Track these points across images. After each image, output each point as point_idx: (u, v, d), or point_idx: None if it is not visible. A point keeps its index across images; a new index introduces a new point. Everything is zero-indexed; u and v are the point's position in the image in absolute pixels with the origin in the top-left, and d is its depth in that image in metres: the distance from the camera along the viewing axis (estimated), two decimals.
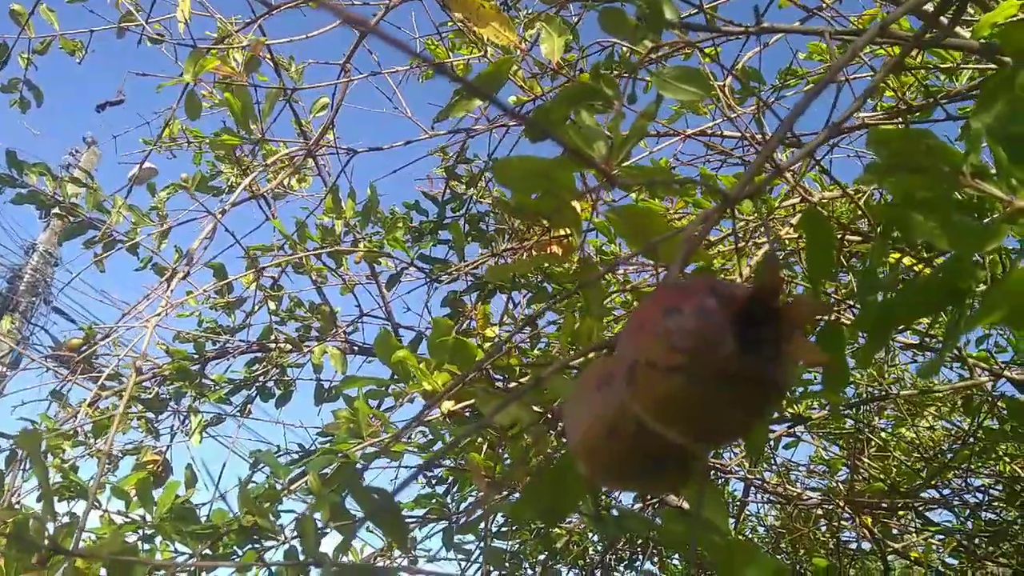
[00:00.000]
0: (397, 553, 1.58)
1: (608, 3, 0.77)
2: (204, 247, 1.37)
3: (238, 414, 2.14)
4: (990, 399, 1.64)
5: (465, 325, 1.94)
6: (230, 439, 2.18)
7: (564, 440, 0.66)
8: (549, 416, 0.65)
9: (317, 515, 1.16)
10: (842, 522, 1.84)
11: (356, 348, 2.17)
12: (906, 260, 0.91)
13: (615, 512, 0.77)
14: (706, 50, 0.96)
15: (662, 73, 0.71)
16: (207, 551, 1.12)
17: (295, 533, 1.15)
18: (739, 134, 1.48)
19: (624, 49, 1.35)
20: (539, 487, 0.64)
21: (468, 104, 1.00)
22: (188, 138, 1.82)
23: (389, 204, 1.93)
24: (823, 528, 2.18)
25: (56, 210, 2.02)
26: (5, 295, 10.16)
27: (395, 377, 1.25)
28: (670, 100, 0.71)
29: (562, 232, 1.64)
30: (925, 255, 1.08)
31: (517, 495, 0.77)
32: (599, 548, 2.45)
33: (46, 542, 0.64)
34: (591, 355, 0.62)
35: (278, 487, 1.21)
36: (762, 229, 1.07)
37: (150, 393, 1.96)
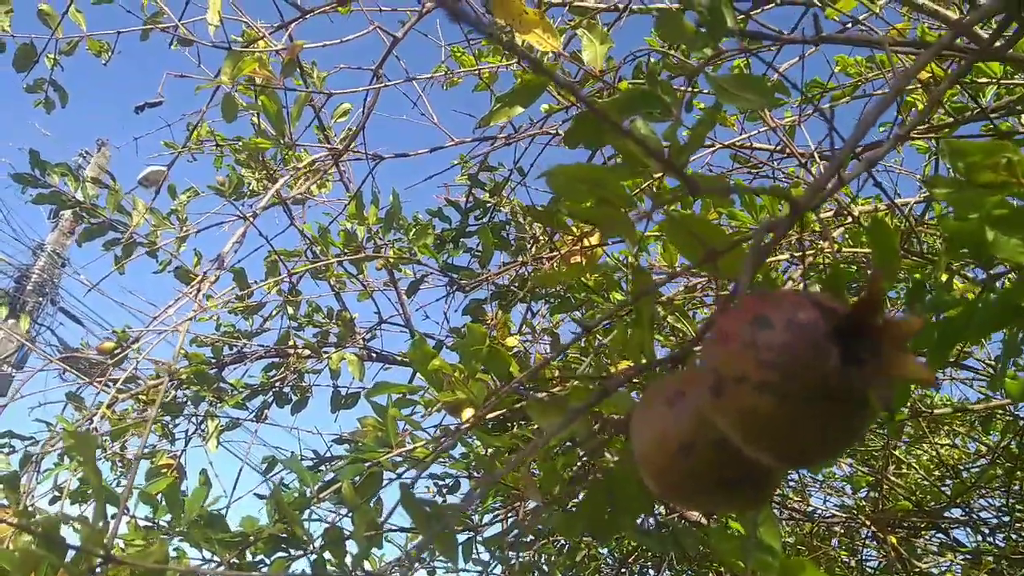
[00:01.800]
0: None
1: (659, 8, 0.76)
2: (235, 250, 1.36)
3: (254, 419, 2.13)
4: (1014, 418, 1.62)
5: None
6: (245, 444, 2.16)
7: (621, 455, 0.64)
8: (605, 429, 0.64)
9: (347, 524, 1.15)
10: (865, 541, 1.81)
11: (374, 355, 2.16)
12: (956, 284, 0.90)
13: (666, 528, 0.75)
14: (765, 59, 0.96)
15: (721, 80, 0.69)
16: (234, 560, 1.10)
17: (322, 542, 1.13)
18: (770, 147, 1.47)
19: (658, 58, 1.34)
20: (595, 501, 0.62)
21: (510, 111, 0.99)
22: (216, 141, 1.82)
23: (411, 211, 1.91)
24: (838, 545, 2.15)
25: (76, 211, 2.01)
26: (12, 295, 10.18)
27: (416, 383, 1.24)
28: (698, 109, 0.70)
29: (588, 242, 1.63)
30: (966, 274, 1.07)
31: (563, 509, 0.75)
32: (608, 562, 2.42)
33: (100, 550, 0.62)
34: (654, 369, 0.61)
35: (307, 494, 1.20)
36: (818, 239, 1.05)
37: (167, 397, 1.95)
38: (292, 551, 1.17)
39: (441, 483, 1.74)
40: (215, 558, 1.11)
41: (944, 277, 0.99)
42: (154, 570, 0.84)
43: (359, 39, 1.32)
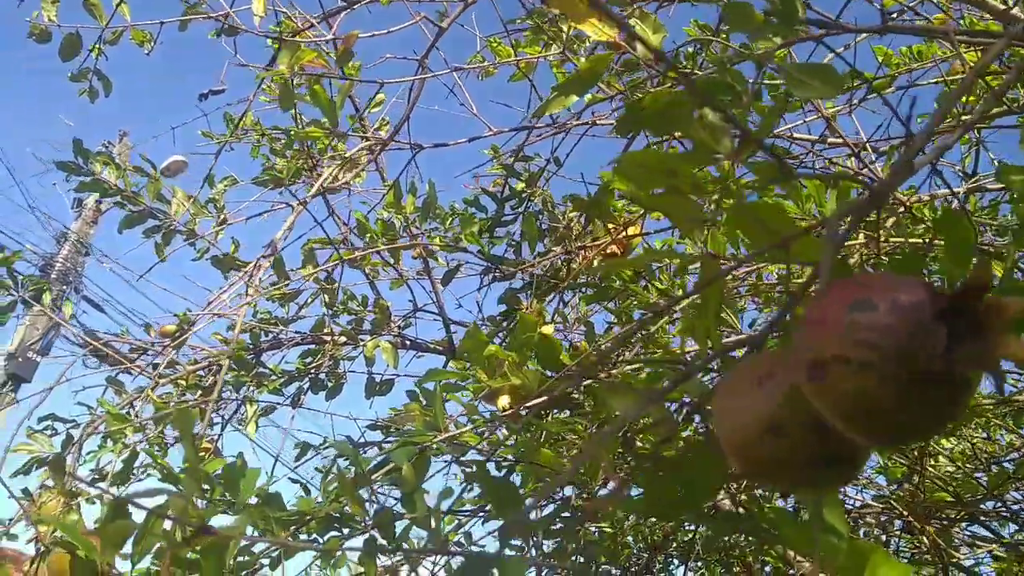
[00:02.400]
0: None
1: None
2: (284, 237, 1.39)
3: (290, 405, 2.16)
4: None
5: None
6: (282, 429, 2.20)
7: (693, 438, 0.65)
8: (679, 412, 0.65)
9: (398, 505, 1.17)
10: (899, 532, 1.81)
11: (408, 342, 2.18)
12: None
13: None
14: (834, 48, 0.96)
15: (792, 69, 0.70)
16: (289, 538, 1.13)
17: (374, 522, 1.16)
18: (812, 137, 1.46)
19: (721, 49, 1.34)
20: (666, 483, 0.63)
21: (565, 99, 1.00)
22: (260, 131, 1.84)
23: (447, 200, 1.92)
24: (866, 536, 2.15)
25: (118, 199, 2.04)
26: (37, 282, 10.32)
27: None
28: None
29: (628, 232, 1.63)
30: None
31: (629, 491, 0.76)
32: (638, 549, 2.44)
33: (195, 520, 0.64)
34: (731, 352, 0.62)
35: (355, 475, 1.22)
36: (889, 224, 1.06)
37: (207, 383, 1.98)
38: (344, 530, 1.20)
39: (469, 469, 1.77)
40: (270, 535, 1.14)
41: (1010, 263, 0.99)
42: (221, 540, 0.87)
43: (398, 30, 1.33)
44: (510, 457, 1.20)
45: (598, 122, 1.74)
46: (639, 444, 0.78)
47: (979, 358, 0.41)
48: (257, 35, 1.31)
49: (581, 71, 1.00)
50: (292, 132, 1.57)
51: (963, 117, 1.06)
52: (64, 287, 10.66)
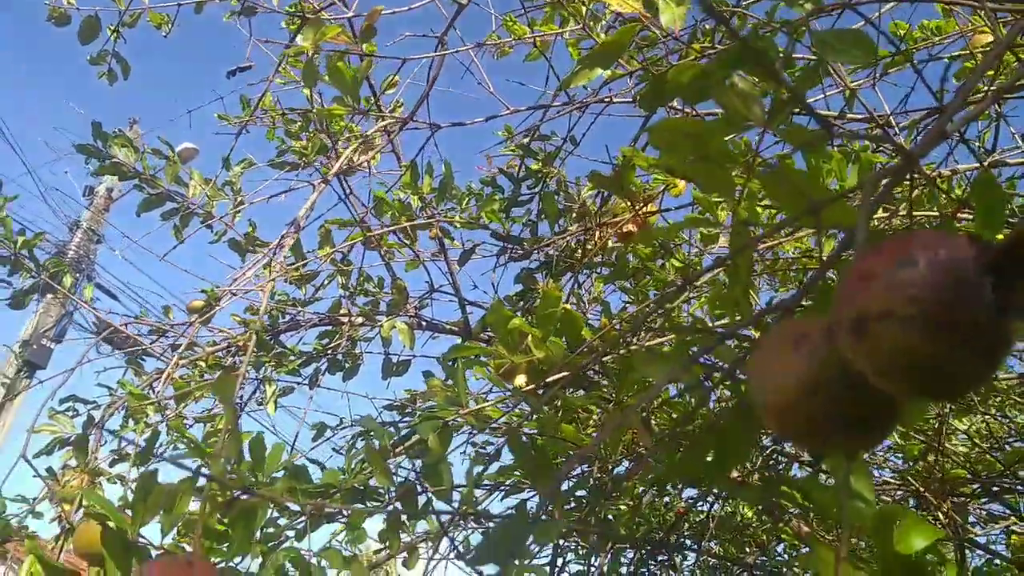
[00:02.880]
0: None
1: None
2: (307, 216, 1.39)
3: (308, 385, 2.18)
4: None
5: (536, 301, 1.95)
6: (300, 409, 2.22)
7: (725, 403, 0.66)
8: (711, 378, 0.65)
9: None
10: (916, 509, 1.82)
11: (424, 323, 2.19)
12: None
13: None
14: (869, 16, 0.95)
15: (825, 36, 0.70)
16: (314, 511, 1.15)
17: (398, 495, 1.17)
18: (832, 113, 1.45)
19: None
20: (702, 445, 0.64)
21: (590, 72, 1.00)
22: (281, 110, 1.85)
23: (463, 180, 1.93)
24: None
25: (136, 182, 2.06)
26: (52, 269, 10.41)
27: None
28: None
29: (645, 210, 1.63)
30: None
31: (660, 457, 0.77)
32: (656, 525, 2.46)
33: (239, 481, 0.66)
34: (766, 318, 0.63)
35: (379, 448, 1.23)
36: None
37: (226, 363, 2.00)
38: (368, 503, 1.21)
39: (483, 451, 1.79)
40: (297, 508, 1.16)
41: None
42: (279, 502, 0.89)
43: (418, 7, 1.33)
44: (533, 431, 1.21)
45: (615, 100, 1.73)
46: (655, 423, 0.79)
47: (1021, 311, 0.41)
48: (277, 12, 1.31)
49: (606, 44, 1.00)
50: (315, 110, 1.58)
51: (991, 89, 1.05)
52: (77, 275, 10.75)
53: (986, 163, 1.16)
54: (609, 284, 1.93)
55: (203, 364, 2.04)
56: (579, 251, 1.86)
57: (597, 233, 1.75)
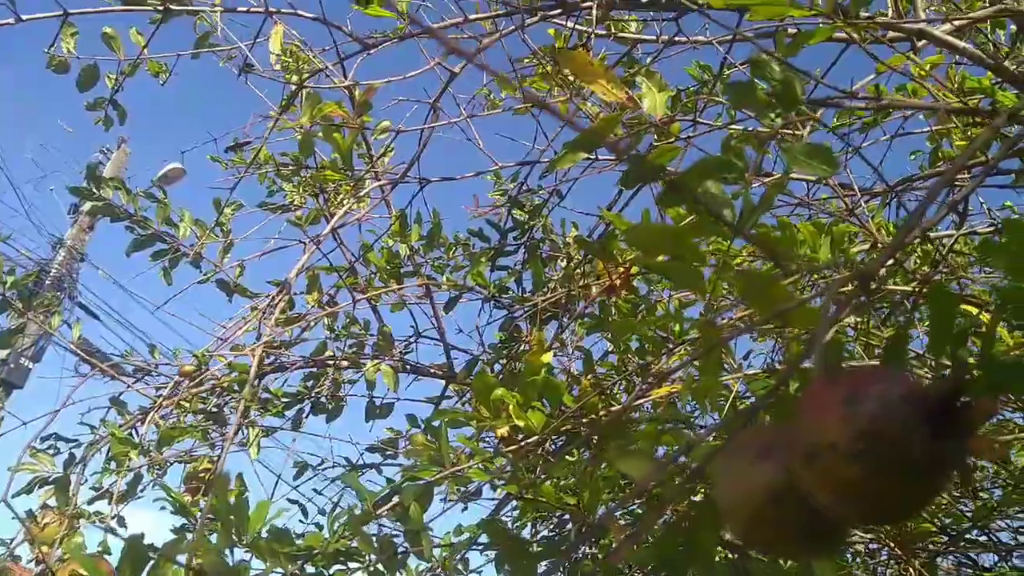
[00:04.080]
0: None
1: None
2: (300, 275, 1.42)
3: (291, 427, 2.19)
4: None
5: (520, 349, 1.99)
6: (282, 451, 2.23)
7: (698, 501, 0.70)
8: (684, 476, 0.69)
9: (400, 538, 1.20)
10: (888, 562, 1.86)
11: (408, 367, 2.22)
12: (1002, 331, 0.95)
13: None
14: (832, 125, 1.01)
15: (792, 148, 0.75)
16: (296, 572, 1.17)
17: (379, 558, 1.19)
18: (800, 197, 1.52)
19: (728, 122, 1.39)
20: (670, 540, 0.67)
21: (574, 157, 1.05)
22: (276, 162, 1.88)
23: (451, 229, 1.97)
24: (855, 565, 2.19)
25: (127, 223, 2.08)
26: (31, 289, 10.31)
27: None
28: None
29: (622, 269, 1.68)
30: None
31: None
32: None
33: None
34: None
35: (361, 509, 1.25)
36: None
37: (209, 404, 2.02)
38: (349, 564, 1.23)
39: (464, 489, 1.81)
40: (278, 569, 1.17)
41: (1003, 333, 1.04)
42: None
43: (413, 76, 1.38)
44: (511, 494, 1.23)
45: (600, 157, 1.79)
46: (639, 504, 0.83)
47: (954, 453, 0.46)
48: (274, 80, 1.35)
49: (590, 131, 1.05)
50: (310, 175, 1.62)
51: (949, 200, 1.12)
52: (59, 293, 10.65)
53: (952, 236, 1.22)
54: (592, 333, 1.97)
55: (187, 405, 2.05)
56: (563, 299, 1.90)
57: (582, 281, 1.80)
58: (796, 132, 0.81)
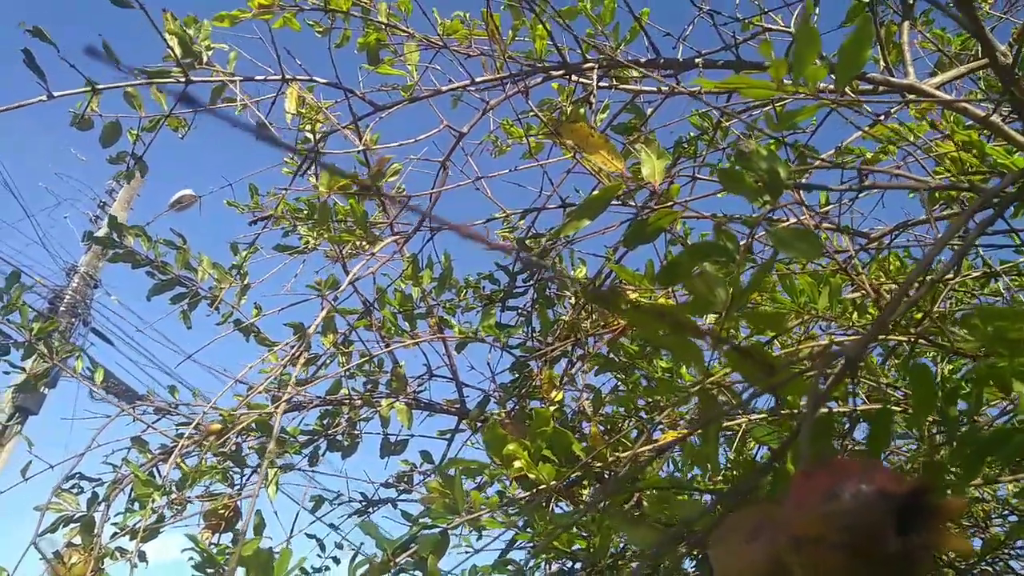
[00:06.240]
0: None
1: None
2: (319, 329, 1.48)
3: (308, 464, 2.25)
4: None
5: (531, 387, 2.04)
6: (300, 487, 2.27)
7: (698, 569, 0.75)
8: (684, 543, 0.74)
9: None
10: None
11: (422, 404, 2.27)
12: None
13: None
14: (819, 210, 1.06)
15: (779, 232, 0.80)
16: None
17: None
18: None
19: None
20: None
21: (577, 224, 1.10)
22: (293, 208, 1.95)
23: (462, 272, 2.03)
24: None
25: (148, 269, 2.15)
26: (45, 315, 10.45)
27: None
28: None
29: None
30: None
31: None
32: None
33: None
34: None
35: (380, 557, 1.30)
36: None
37: (232, 446, 2.07)
38: None
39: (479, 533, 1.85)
40: None
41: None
42: None
43: (424, 138, 1.45)
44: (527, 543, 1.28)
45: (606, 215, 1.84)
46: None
47: (925, 546, 0.51)
48: (289, 149, 1.42)
49: (593, 199, 1.11)
50: (327, 237, 1.69)
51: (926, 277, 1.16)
52: (73, 319, 10.79)
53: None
54: (603, 373, 2.02)
55: (207, 444, 2.11)
56: (573, 336, 1.95)
57: (589, 327, 1.85)
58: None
